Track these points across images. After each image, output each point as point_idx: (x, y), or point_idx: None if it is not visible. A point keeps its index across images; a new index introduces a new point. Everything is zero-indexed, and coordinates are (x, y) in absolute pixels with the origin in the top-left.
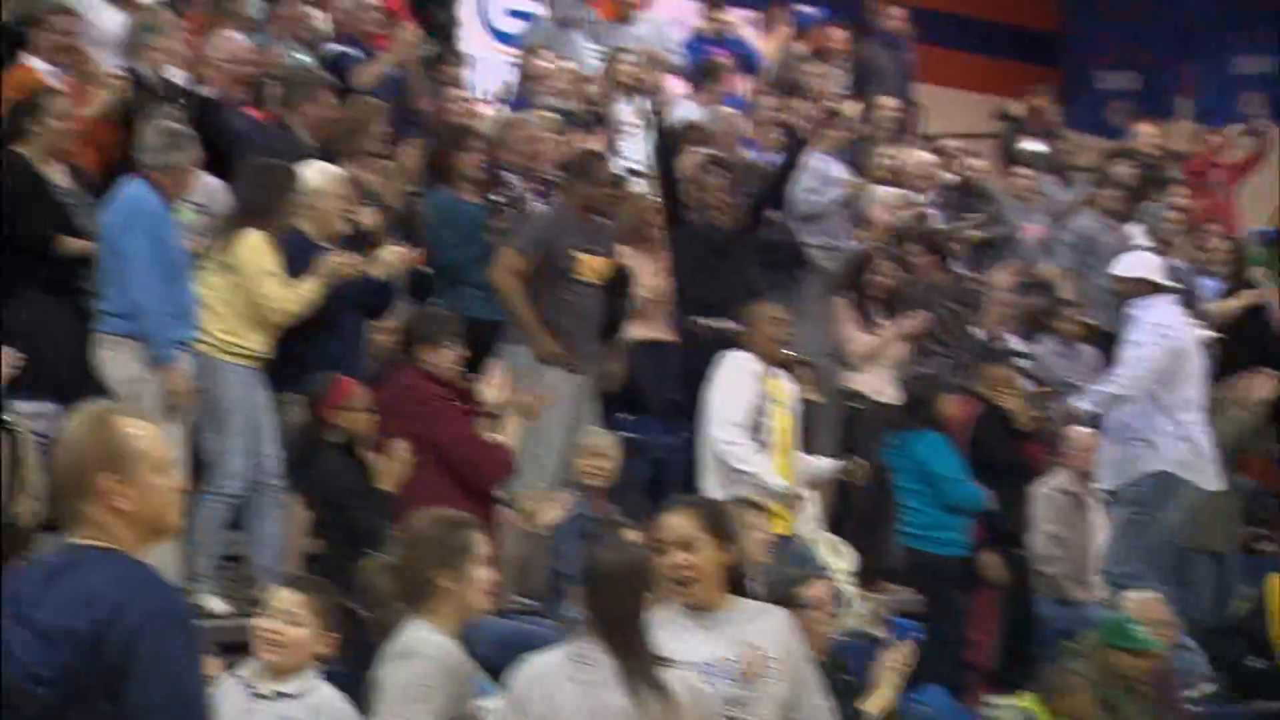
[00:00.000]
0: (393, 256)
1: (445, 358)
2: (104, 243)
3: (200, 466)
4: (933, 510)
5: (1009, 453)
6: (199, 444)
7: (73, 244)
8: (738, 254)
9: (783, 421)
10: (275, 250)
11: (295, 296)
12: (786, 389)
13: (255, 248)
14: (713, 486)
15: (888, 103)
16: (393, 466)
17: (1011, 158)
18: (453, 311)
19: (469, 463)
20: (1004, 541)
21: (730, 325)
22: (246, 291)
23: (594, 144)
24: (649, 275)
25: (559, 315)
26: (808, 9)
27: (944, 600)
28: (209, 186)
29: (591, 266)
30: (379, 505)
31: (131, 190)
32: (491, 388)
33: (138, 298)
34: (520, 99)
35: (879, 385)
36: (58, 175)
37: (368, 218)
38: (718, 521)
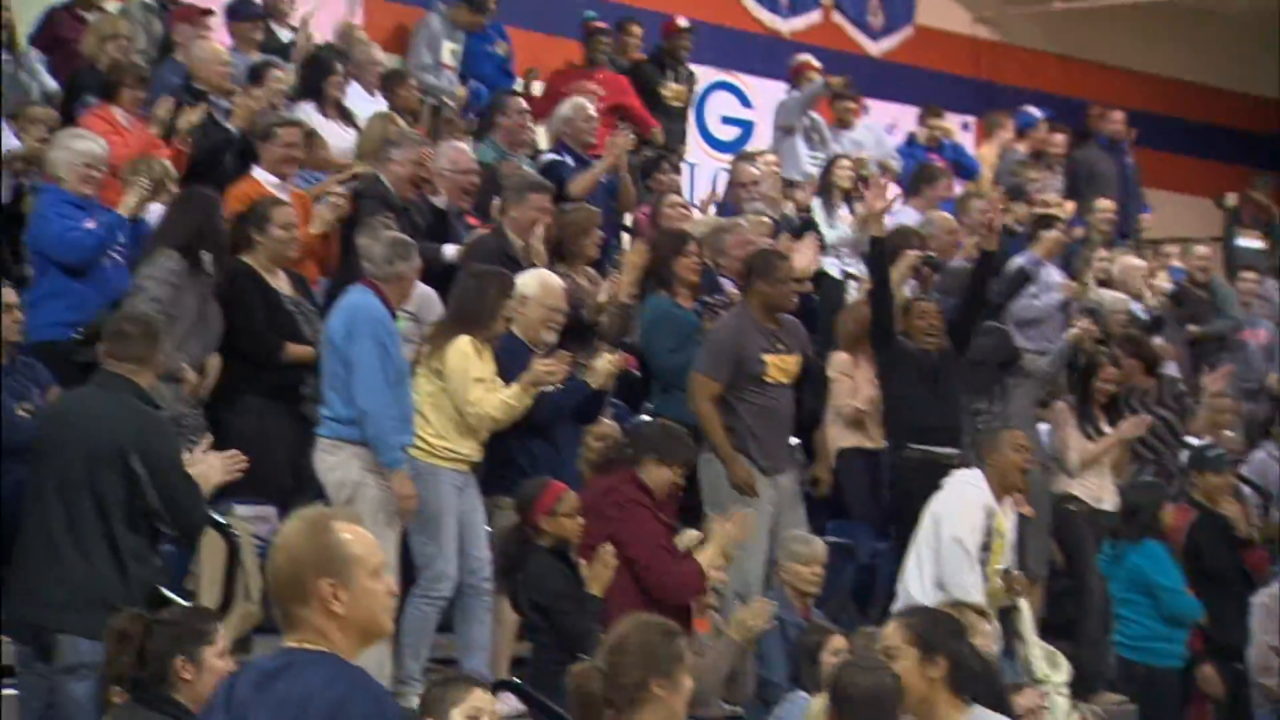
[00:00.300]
0: (605, 363)
1: (663, 477)
2: (329, 349)
3: (411, 569)
4: (1150, 621)
5: (1228, 561)
6: (410, 547)
7: (296, 351)
8: (948, 379)
9: (998, 553)
10: (485, 356)
11: (498, 403)
12: (1009, 520)
13: (463, 354)
14: (917, 594)
15: (1105, 206)
16: (600, 571)
17: (1233, 259)
18: (676, 424)
19: (656, 580)
20: (1222, 653)
21: (944, 451)
22: (453, 397)
23: (807, 249)
24: (865, 383)
25: (752, 420)
26: (1033, 110)
27: (1160, 713)
28: (420, 294)
29: (780, 367)
30: (588, 609)
31: (358, 298)
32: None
33: (364, 404)
34: (730, 204)
35: (1099, 492)
36: (281, 284)
37: (594, 313)
38: (925, 634)
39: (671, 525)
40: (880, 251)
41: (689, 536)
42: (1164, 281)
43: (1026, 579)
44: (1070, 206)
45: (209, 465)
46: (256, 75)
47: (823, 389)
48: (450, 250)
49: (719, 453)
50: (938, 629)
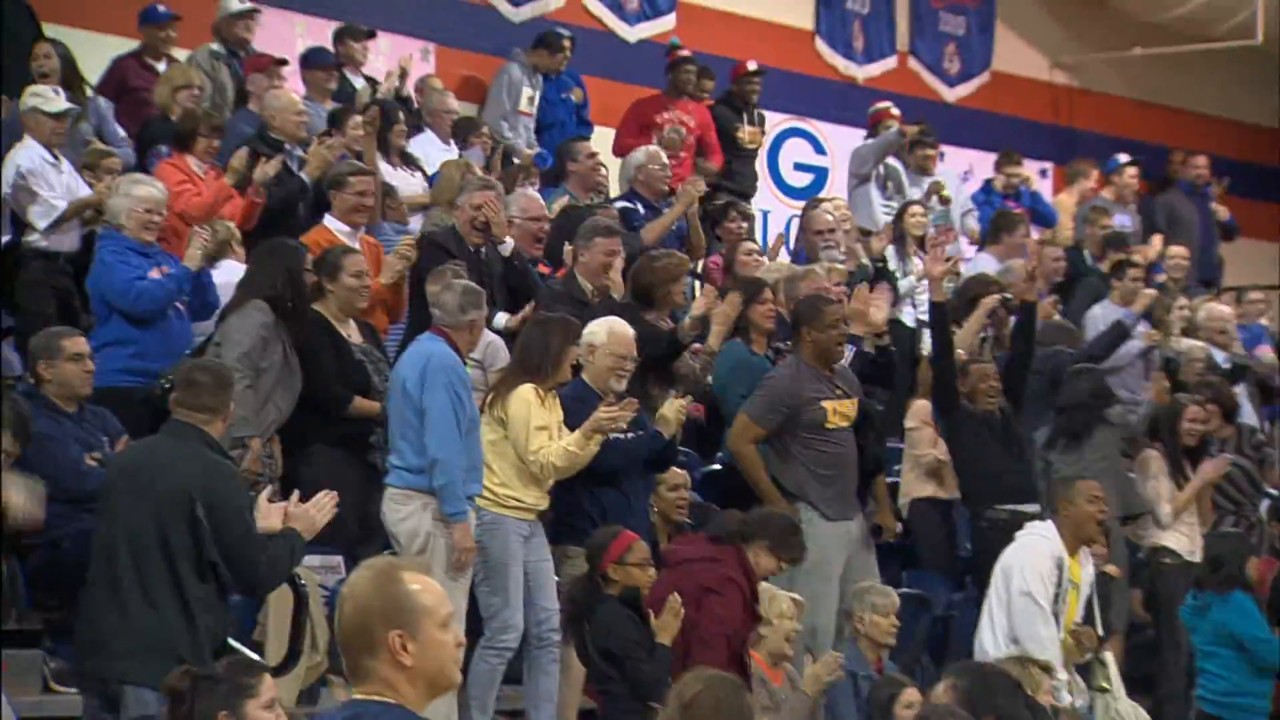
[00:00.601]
0: (673, 409)
1: (768, 565)
2: (400, 398)
3: (477, 620)
4: (1234, 675)
5: None
6: (476, 597)
7: (363, 405)
8: (1018, 436)
9: (1073, 605)
10: (549, 404)
11: (560, 451)
12: (1084, 572)
13: (525, 401)
14: (990, 648)
15: (1175, 253)
16: (670, 621)
17: None
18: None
19: (696, 658)
20: None
21: (1028, 510)
22: (515, 445)
23: (879, 297)
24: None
25: (817, 467)
26: (1121, 158)
27: None
28: (486, 341)
29: (839, 411)
30: (659, 658)
31: (430, 346)
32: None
33: (436, 452)
34: (802, 251)
35: (1193, 545)
36: (352, 332)
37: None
38: (972, 694)
39: (757, 616)
40: (942, 316)
41: (769, 591)
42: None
43: (1095, 633)
44: (1157, 244)
45: (317, 509)
46: (336, 121)
47: (884, 433)
48: (502, 319)
49: (762, 492)
50: (985, 689)
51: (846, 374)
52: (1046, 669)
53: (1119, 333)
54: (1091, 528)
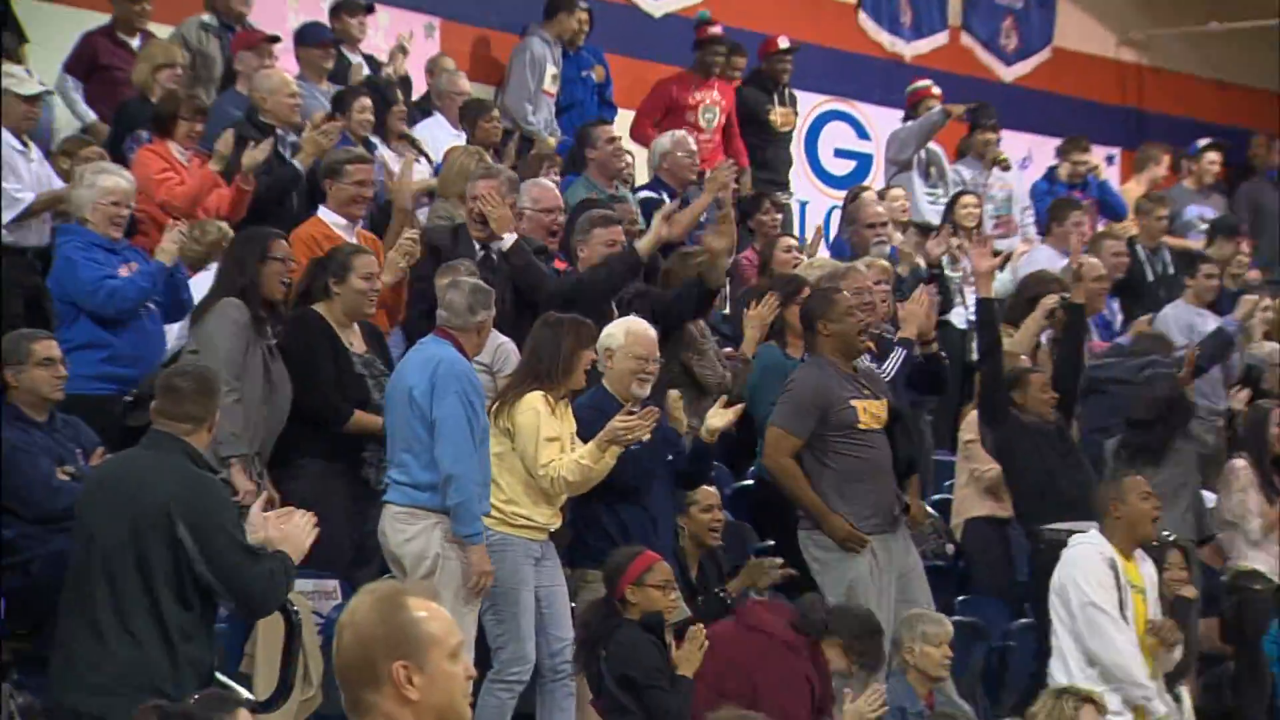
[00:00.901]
0: (719, 418)
1: (840, 663)
2: (406, 407)
3: (485, 650)
4: None
5: None
6: (483, 625)
7: (364, 421)
8: (1075, 448)
9: (1140, 610)
10: (560, 413)
11: (571, 464)
12: (1146, 574)
13: (534, 410)
14: (1061, 675)
15: (1243, 248)
16: (692, 651)
17: None
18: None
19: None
20: None
21: (1076, 527)
22: (524, 458)
23: (925, 295)
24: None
25: (851, 473)
26: (1202, 141)
27: None
28: (495, 344)
29: (871, 412)
30: (681, 689)
31: (438, 351)
32: None
33: (451, 467)
34: (841, 243)
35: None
36: (354, 338)
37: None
38: None
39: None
40: (990, 314)
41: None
42: None
43: (1174, 624)
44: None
45: (297, 529)
46: (340, 104)
47: (917, 434)
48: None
49: (810, 509)
50: None
51: (871, 374)
52: (1089, 700)
53: (1222, 342)
54: (1147, 526)
